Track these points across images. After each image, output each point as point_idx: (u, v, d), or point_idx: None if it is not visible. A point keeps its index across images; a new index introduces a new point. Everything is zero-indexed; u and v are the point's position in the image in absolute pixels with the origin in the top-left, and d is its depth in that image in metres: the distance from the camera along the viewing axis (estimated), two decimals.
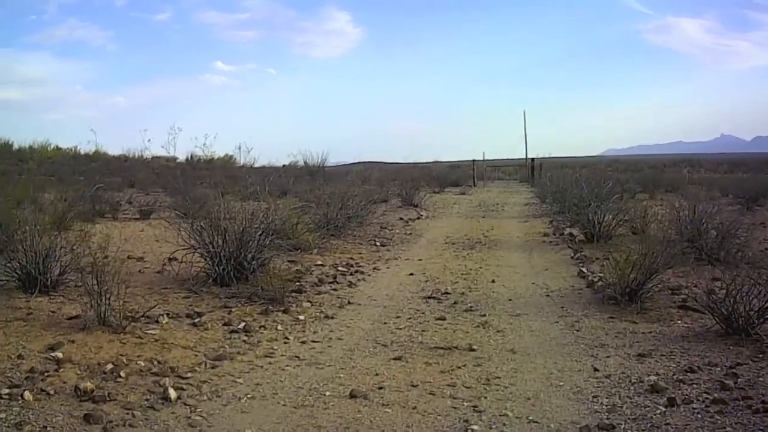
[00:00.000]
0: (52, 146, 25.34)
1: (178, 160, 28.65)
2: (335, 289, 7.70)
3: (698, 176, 33.80)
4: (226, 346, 5.53)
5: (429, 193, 25.58)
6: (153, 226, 11.82)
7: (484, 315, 6.37)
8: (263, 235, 7.96)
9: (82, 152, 26.75)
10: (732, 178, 28.06)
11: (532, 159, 36.76)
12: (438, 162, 55.36)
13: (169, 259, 8.27)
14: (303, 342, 5.62)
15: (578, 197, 13.89)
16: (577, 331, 5.74)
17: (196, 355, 5.33)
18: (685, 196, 15.59)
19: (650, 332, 5.67)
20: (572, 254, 10.04)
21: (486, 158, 39.87)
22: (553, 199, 17.76)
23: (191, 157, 29.03)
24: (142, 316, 6.11)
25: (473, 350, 5.18)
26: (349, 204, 12.83)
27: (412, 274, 8.76)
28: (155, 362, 5.11)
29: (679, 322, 6.02)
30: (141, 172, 22.29)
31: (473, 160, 36.68)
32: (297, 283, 7.77)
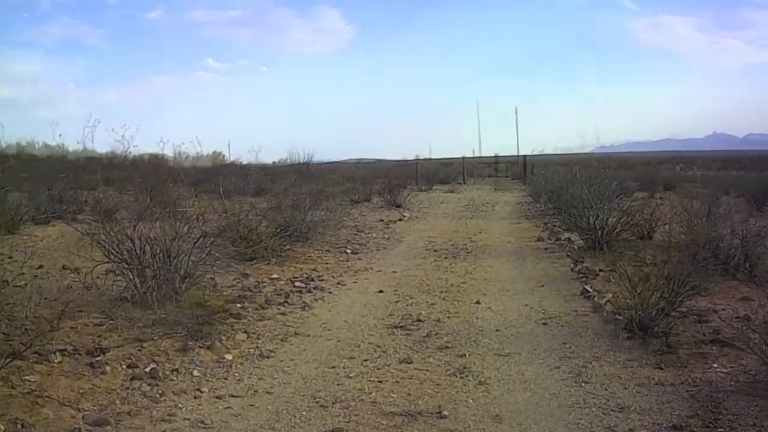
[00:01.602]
0: (39, 144, 25.15)
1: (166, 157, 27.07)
2: (283, 313, 6.27)
3: (693, 173, 32.73)
4: (118, 402, 4.13)
5: (416, 191, 24.23)
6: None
7: (463, 355, 4.93)
8: (197, 246, 6.51)
9: (71, 150, 25.59)
10: (733, 175, 27.22)
11: (524, 156, 35.40)
12: (429, 159, 54.25)
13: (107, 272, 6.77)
14: (219, 397, 4.20)
15: (577, 197, 12.47)
16: (586, 382, 4.31)
17: (74, 417, 3.93)
18: (688, 195, 14.39)
19: (681, 383, 4.26)
20: (572, 265, 8.64)
21: (477, 155, 38.49)
22: (548, 198, 16.37)
23: (178, 153, 27.67)
24: (28, 350, 4.68)
25: (443, 417, 3.75)
26: (321, 205, 11.40)
27: (381, 292, 7.33)
28: (19, 426, 3.70)
29: (715, 365, 4.61)
30: (122, 170, 20.53)
31: (463, 157, 35.30)
32: (238, 305, 6.34)
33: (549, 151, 35.50)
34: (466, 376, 4.45)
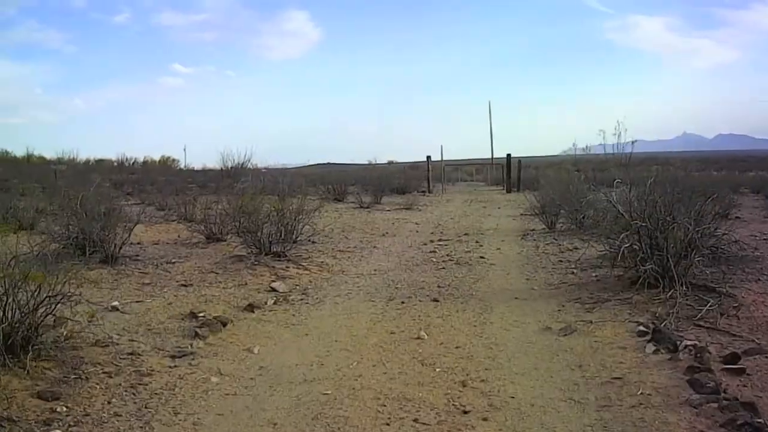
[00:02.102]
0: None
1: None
2: None
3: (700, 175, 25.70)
4: None
5: (352, 208, 15.67)
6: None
7: None
8: None
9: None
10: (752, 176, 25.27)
11: (508, 156, 26.95)
12: (393, 162, 46.38)
13: None
14: None
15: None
16: None
17: None
18: None
19: None
20: None
21: (445, 157, 29.87)
22: (593, 224, 7.95)
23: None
24: None
25: None
26: None
27: None
28: None
29: None
30: None
31: (428, 157, 26.59)
32: None
33: (518, 154, 27.60)
34: None
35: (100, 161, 36.11)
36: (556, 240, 9.64)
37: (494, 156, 32.46)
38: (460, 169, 40.47)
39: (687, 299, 5.36)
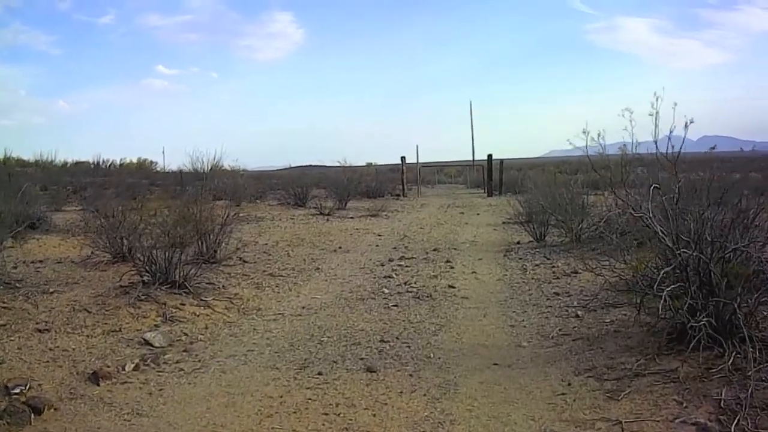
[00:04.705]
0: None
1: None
2: None
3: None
4: None
5: (311, 215, 13.67)
6: None
7: None
8: None
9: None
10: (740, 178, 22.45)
11: (489, 156, 25.01)
12: (372, 164, 44.51)
13: None
14: None
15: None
16: None
17: None
18: None
19: None
20: None
21: (427, 159, 27.93)
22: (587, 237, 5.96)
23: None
24: None
25: None
26: None
27: None
28: None
29: None
30: None
31: (402, 158, 24.50)
32: None
33: (500, 156, 25.78)
34: None
35: (78, 163, 34.24)
36: (547, 258, 7.64)
37: (475, 158, 30.61)
38: (441, 171, 38.63)
39: (759, 368, 3.39)
